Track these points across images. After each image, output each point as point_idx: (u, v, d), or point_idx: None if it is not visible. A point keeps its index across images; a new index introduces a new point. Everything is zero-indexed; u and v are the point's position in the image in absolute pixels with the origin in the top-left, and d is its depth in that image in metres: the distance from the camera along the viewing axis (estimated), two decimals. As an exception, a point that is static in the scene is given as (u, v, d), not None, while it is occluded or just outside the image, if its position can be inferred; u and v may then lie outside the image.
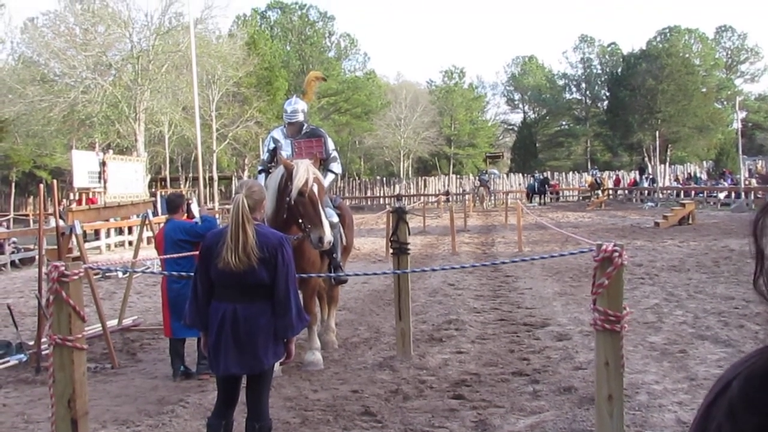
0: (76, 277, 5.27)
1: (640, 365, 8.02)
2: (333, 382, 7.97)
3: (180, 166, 58.92)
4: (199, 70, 42.19)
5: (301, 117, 9.48)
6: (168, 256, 8.66)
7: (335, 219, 8.89)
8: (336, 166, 9.62)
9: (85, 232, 17.21)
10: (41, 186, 9.81)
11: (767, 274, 1.03)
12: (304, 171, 7.70)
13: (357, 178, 73.75)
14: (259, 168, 9.87)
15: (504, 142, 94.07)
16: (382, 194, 65.40)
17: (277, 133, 9.72)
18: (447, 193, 57.20)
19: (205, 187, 44.67)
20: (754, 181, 43.04)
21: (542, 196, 56.43)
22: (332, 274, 8.87)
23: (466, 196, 49.03)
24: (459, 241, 23.76)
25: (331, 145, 9.66)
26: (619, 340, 5.04)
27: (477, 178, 59.83)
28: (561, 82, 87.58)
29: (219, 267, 4.95)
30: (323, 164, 8.99)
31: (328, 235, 7.68)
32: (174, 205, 9.05)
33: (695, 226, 26.95)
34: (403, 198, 58.43)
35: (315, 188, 7.71)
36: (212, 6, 43.07)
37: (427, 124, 70.76)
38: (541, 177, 58.95)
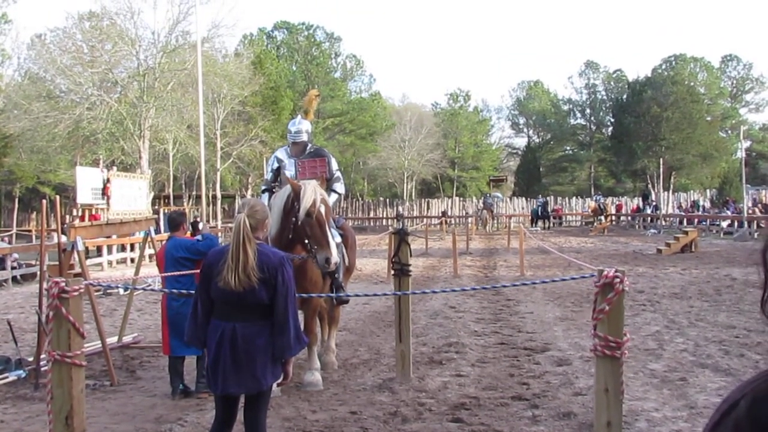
0: (76, 294, 5.28)
1: (640, 392, 7.99)
2: (332, 403, 7.94)
3: (184, 184, 59.04)
4: (204, 88, 42.31)
5: (305, 137, 9.51)
6: (168, 273, 8.65)
7: (338, 239, 8.89)
8: (339, 186, 9.63)
9: (87, 248, 17.22)
10: (44, 202, 9.81)
11: None
12: (312, 192, 7.71)
13: (360, 198, 73.73)
14: (263, 188, 9.88)
15: (508, 166, 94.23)
16: (385, 215, 65.40)
17: (281, 153, 9.74)
18: (444, 214, 57.35)
19: (208, 205, 44.73)
20: (757, 210, 43.00)
21: (546, 220, 56.35)
22: (334, 294, 8.84)
23: (469, 219, 49.02)
24: (461, 264, 23.74)
25: (334, 165, 9.68)
26: (619, 366, 5.03)
27: (481, 200, 59.81)
28: (566, 108, 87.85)
29: (219, 285, 4.95)
30: (327, 184, 9.01)
31: (335, 256, 7.70)
32: (175, 223, 9.06)
33: (698, 254, 26.91)
34: (404, 219, 58.48)
35: (322, 209, 7.73)
36: (219, 25, 43.22)
37: (432, 146, 70.84)
38: (543, 201, 58.97)
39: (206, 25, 40.78)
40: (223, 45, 48.00)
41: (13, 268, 22.00)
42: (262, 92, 49.50)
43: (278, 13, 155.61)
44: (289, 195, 7.98)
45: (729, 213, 43.89)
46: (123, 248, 29.31)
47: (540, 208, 56.89)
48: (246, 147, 47.28)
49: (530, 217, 58.02)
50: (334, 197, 9.37)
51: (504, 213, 61.09)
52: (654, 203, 54.46)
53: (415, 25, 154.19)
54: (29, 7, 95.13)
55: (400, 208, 64.32)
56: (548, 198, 63.11)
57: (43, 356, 8.29)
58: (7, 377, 9.16)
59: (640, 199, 61.05)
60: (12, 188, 53.57)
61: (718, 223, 42.05)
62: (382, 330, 12.64)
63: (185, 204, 51.09)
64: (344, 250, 9.32)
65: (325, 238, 7.65)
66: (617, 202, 62.85)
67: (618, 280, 4.98)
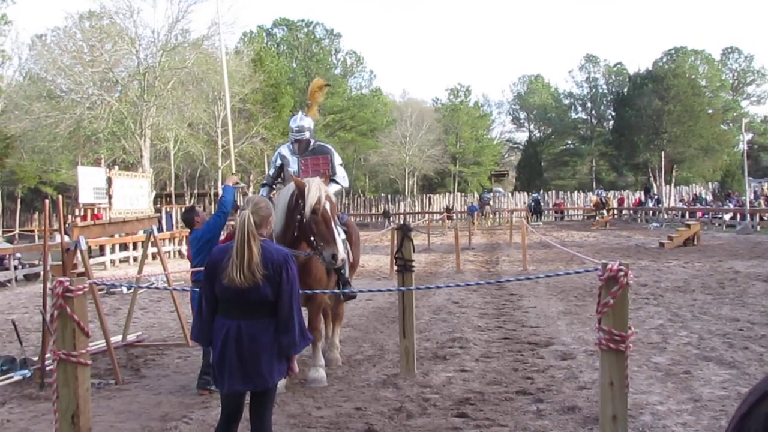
0: (80, 293, 5.28)
1: (645, 386, 7.99)
2: (336, 400, 7.94)
3: (185, 182, 59.04)
4: (204, 86, 42.45)
5: (307, 134, 9.52)
6: (196, 267, 8.60)
7: (342, 236, 8.88)
8: (342, 179, 9.62)
9: (90, 247, 17.23)
10: (46, 202, 9.81)
11: None
12: (316, 189, 7.72)
13: (362, 195, 73.79)
14: (263, 182, 9.90)
15: (509, 161, 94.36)
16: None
17: (285, 150, 9.77)
18: (448, 210, 57.61)
19: (210, 203, 44.75)
20: (762, 202, 42.96)
21: (539, 215, 56.43)
22: (341, 290, 8.84)
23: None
24: (463, 259, 23.77)
25: (338, 160, 9.67)
26: (624, 360, 5.03)
27: (479, 197, 59.91)
28: (567, 102, 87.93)
29: (224, 283, 4.94)
30: (329, 180, 9.01)
31: (342, 253, 7.70)
32: (188, 220, 9.24)
33: (700, 247, 26.89)
34: (390, 215, 58.75)
35: (327, 206, 7.73)
36: (219, 23, 43.16)
37: (433, 141, 70.90)
38: (536, 196, 59.17)
39: (206, 22, 40.90)
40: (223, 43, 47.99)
41: (16, 268, 22.02)
42: (263, 90, 49.53)
43: (278, 11, 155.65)
44: (293, 192, 7.98)
45: (731, 206, 43.88)
46: (125, 247, 29.32)
47: (533, 203, 57.16)
48: (247, 144, 47.30)
49: (528, 211, 58.11)
50: (335, 188, 9.34)
51: (505, 208, 61.21)
52: (656, 197, 54.43)
53: (415, 21, 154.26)
54: (29, 7, 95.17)
55: (389, 206, 64.32)
56: (541, 193, 63.15)
57: (48, 355, 8.30)
58: (12, 377, 9.17)
59: (642, 192, 61.02)
60: (14, 189, 53.64)
61: (720, 216, 42.03)
62: (385, 326, 12.65)
63: (187, 202, 51.05)
64: (348, 247, 9.32)
65: (331, 235, 7.66)
66: (619, 196, 62.90)
67: (622, 273, 4.97)
